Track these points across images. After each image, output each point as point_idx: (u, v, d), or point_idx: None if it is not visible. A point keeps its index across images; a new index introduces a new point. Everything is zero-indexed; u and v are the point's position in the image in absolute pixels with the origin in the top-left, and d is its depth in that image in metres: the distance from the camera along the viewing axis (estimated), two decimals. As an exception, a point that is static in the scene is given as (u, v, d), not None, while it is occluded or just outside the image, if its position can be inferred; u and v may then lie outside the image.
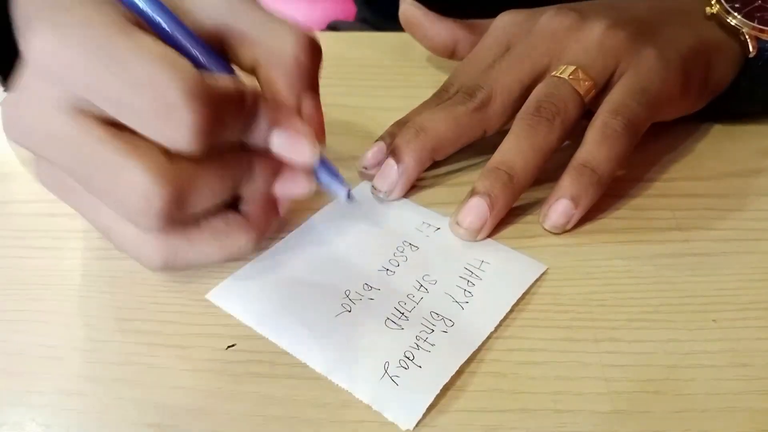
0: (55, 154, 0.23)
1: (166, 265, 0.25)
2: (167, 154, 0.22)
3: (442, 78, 0.37)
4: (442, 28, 0.39)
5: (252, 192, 0.26)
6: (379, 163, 0.33)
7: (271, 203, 0.27)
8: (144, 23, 0.24)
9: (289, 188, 0.26)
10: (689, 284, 0.29)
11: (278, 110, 0.25)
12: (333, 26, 0.71)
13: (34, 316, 0.27)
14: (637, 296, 0.28)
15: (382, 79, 0.43)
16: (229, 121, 0.23)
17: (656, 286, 0.29)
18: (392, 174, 0.32)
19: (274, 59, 0.27)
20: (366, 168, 0.34)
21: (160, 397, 0.24)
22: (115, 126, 0.22)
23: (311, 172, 0.27)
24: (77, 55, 0.21)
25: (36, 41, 0.21)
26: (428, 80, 0.42)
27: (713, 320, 0.27)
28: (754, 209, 0.33)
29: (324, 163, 0.28)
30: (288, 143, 0.25)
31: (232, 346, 0.26)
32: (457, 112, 0.33)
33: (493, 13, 0.37)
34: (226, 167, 0.24)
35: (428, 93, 0.36)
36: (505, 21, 0.36)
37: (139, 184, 0.22)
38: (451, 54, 0.40)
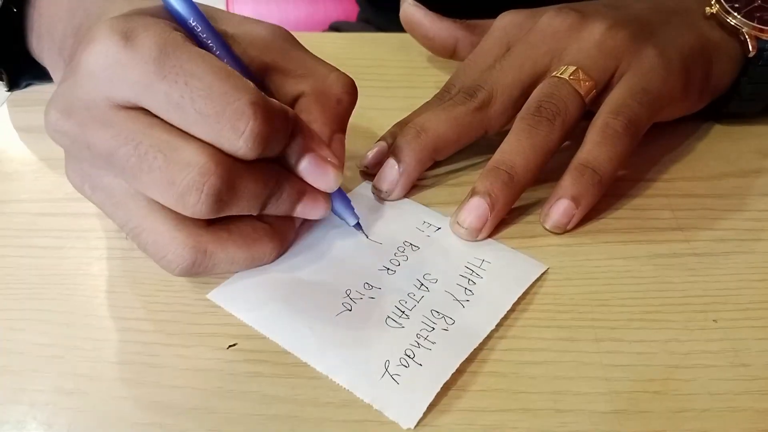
0: (103, 140, 0.24)
1: (194, 266, 0.26)
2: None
3: (443, 78, 0.37)
4: (442, 29, 0.39)
5: (277, 208, 0.27)
6: (380, 163, 0.33)
7: (290, 219, 0.28)
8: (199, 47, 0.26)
9: (308, 210, 0.28)
10: (689, 284, 0.29)
11: (312, 136, 0.27)
12: (335, 26, 0.71)
13: (35, 315, 0.27)
14: (637, 296, 0.28)
15: (384, 79, 0.43)
16: (279, 136, 0.25)
17: (657, 286, 0.29)
18: (393, 174, 0.32)
19: (318, 96, 0.28)
20: (367, 168, 0.34)
21: (161, 396, 0.24)
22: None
23: (328, 199, 0.28)
24: (147, 63, 0.23)
25: (103, 46, 0.23)
26: (429, 81, 0.42)
27: (714, 320, 0.27)
28: (755, 209, 0.33)
29: (339, 192, 0.29)
30: (316, 167, 0.27)
31: (233, 345, 0.26)
32: (458, 112, 0.33)
33: (493, 14, 0.38)
34: (264, 176, 0.25)
35: (429, 93, 0.36)
36: (506, 21, 0.36)
37: (196, 161, 0.23)
38: (452, 54, 0.40)
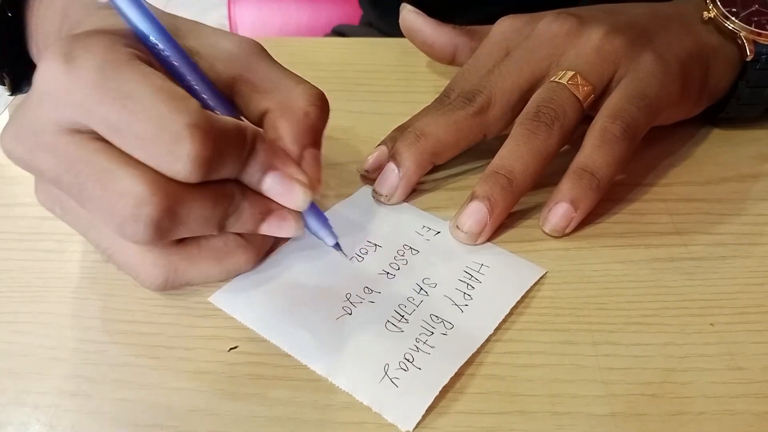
0: (48, 166, 0.23)
1: (167, 284, 0.26)
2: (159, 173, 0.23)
3: (443, 83, 0.37)
4: (441, 35, 0.39)
5: (238, 227, 0.26)
6: (380, 168, 0.33)
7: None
8: (156, 62, 0.25)
9: (276, 229, 0.27)
10: (687, 288, 0.29)
11: (276, 153, 0.26)
12: (338, 30, 0.72)
13: (37, 317, 0.28)
14: (635, 300, 0.28)
15: (384, 84, 0.43)
16: (228, 157, 0.24)
17: (654, 290, 0.29)
18: (393, 178, 0.32)
19: (284, 110, 0.27)
20: (367, 172, 0.34)
21: (162, 398, 0.25)
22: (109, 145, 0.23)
23: (300, 218, 0.27)
24: (86, 86, 0.22)
25: (47, 68, 0.23)
26: (429, 85, 0.42)
27: (711, 324, 0.27)
28: (752, 214, 0.33)
29: (314, 209, 0.28)
30: (280, 185, 0.26)
31: (234, 348, 0.26)
32: (457, 116, 0.33)
33: (492, 19, 0.38)
34: (215, 197, 0.25)
35: (429, 98, 0.36)
36: (504, 26, 0.37)
37: (132, 191, 0.22)
38: (451, 60, 0.40)
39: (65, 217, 0.27)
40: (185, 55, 0.26)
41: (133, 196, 0.22)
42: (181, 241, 0.26)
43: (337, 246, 0.29)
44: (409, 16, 0.40)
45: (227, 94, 0.28)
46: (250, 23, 0.82)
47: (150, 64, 0.24)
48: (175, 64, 0.26)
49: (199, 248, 0.27)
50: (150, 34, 0.25)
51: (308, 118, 0.27)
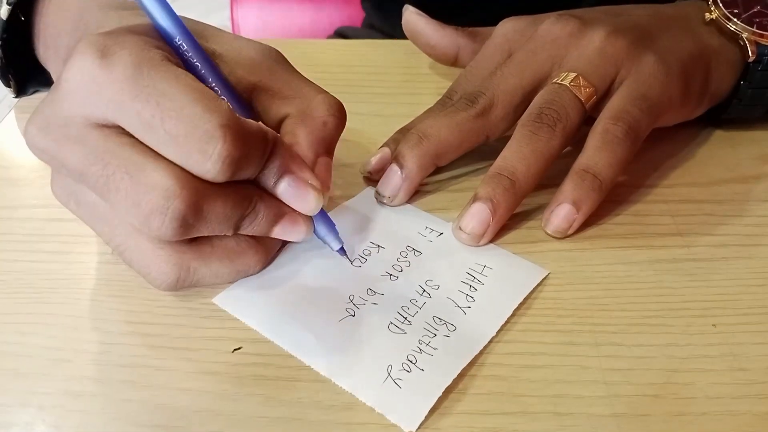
0: (76, 157, 0.24)
1: (178, 282, 0.26)
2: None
3: (445, 85, 0.37)
4: (444, 36, 0.39)
5: (253, 229, 0.26)
6: (383, 169, 0.33)
7: None
8: (182, 65, 0.26)
9: (287, 233, 0.27)
10: (689, 289, 0.29)
11: (292, 158, 0.26)
12: (340, 32, 0.72)
13: (43, 319, 0.28)
14: (637, 301, 0.28)
15: (387, 86, 0.43)
16: (252, 158, 0.24)
17: (656, 291, 0.29)
18: (396, 179, 0.32)
19: (303, 117, 0.28)
20: (370, 173, 0.34)
21: (167, 398, 0.25)
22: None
23: (310, 222, 0.28)
24: (121, 82, 0.23)
25: (81, 61, 0.23)
26: (432, 87, 0.42)
27: (713, 325, 0.27)
28: (754, 215, 0.33)
29: (322, 214, 0.28)
30: (295, 189, 0.26)
31: (239, 349, 0.27)
32: (459, 118, 0.33)
33: (494, 21, 0.38)
34: (237, 198, 0.25)
35: (432, 100, 0.36)
36: (507, 28, 0.37)
37: (161, 184, 0.23)
38: (454, 61, 0.40)
39: (79, 210, 0.27)
40: (208, 58, 0.27)
41: (162, 189, 0.23)
42: (194, 240, 0.26)
43: (342, 251, 0.29)
44: (411, 17, 0.40)
45: (246, 98, 0.28)
46: (253, 25, 0.82)
47: (178, 66, 0.24)
48: (198, 65, 0.26)
49: (212, 247, 0.27)
50: (176, 36, 0.26)
51: (326, 127, 0.28)
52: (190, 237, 0.25)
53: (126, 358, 0.26)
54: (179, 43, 0.26)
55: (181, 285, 0.26)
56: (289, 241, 0.30)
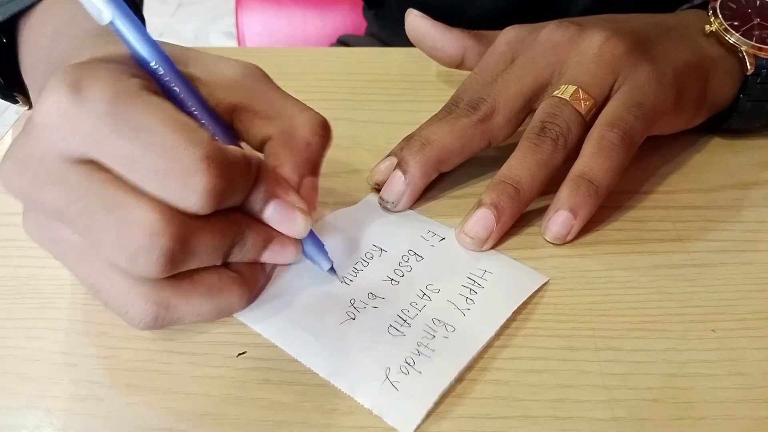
0: (54, 197, 0.23)
1: (156, 321, 0.25)
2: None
3: (447, 92, 0.38)
4: (450, 39, 0.39)
5: (242, 256, 0.26)
6: None
7: (259, 264, 0.28)
8: (161, 91, 0.25)
9: (276, 257, 0.27)
10: (689, 294, 0.29)
11: (277, 181, 0.26)
12: (343, 40, 0.72)
13: (49, 323, 0.28)
14: (637, 306, 0.29)
15: (390, 93, 0.43)
16: (237, 187, 0.24)
17: (656, 296, 0.29)
18: (399, 185, 0.33)
19: (286, 139, 0.27)
20: (378, 184, 0.34)
21: (172, 402, 0.25)
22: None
23: (298, 244, 0.27)
24: (96, 117, 0.22)
25: (53, 97, 0.22)
26: (434, 94, 0.42)
27: (712, 330, 0.28)
28: (754, 221, 0.33)
29: (312, 235, 0.28)
30: (282, 214, 0.26)
31: (243, 353, 0.27)
32: (462, 124, 0.33)
33: (499, 25, 0.38)
34: (224, 227, 0.24)
35: (434, 107, 0.37)
36: (509, 36, 0.37)
37: (145, 221, 0.22)
38: (459, 64, 0.40)
39: (53, 248, 0.25)
40: (186, 81, 0.26)
41: (147, 226, 0.22)
42: (174, 276, 0.24)
43: (332, 270, 0.29)
44: (416, 21, 0.40)
45: (227, 120, 0.28)
46: (258, 32, 0.83)
47: (156, 94, 0.24)
48: (176, 90, 0.25)
49: (192, 283, 0.25)
50: (151, 60, 0.25)
51: (310, 147, 0.27)
52: (179, 271, 0.24)
53: (131, 362, 0.27)
54: (155, 67, 0.25)
55: (161, 324, 0.25)
56: (278, 265, 0.29)
